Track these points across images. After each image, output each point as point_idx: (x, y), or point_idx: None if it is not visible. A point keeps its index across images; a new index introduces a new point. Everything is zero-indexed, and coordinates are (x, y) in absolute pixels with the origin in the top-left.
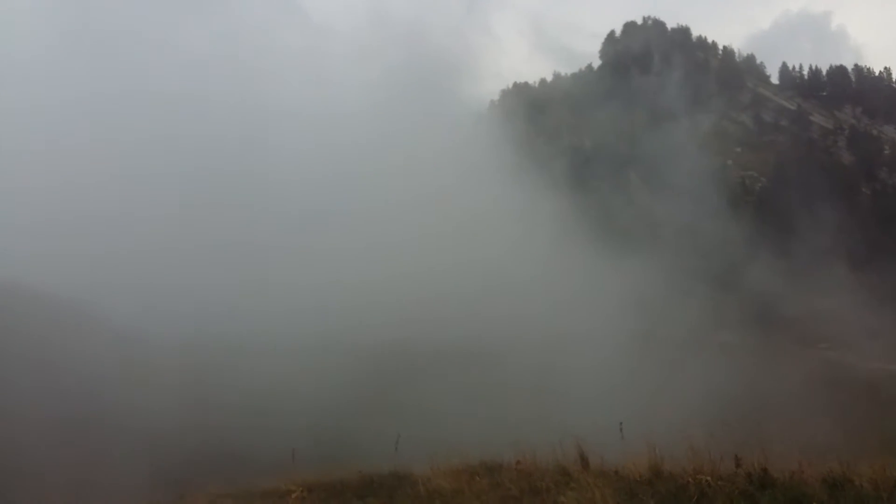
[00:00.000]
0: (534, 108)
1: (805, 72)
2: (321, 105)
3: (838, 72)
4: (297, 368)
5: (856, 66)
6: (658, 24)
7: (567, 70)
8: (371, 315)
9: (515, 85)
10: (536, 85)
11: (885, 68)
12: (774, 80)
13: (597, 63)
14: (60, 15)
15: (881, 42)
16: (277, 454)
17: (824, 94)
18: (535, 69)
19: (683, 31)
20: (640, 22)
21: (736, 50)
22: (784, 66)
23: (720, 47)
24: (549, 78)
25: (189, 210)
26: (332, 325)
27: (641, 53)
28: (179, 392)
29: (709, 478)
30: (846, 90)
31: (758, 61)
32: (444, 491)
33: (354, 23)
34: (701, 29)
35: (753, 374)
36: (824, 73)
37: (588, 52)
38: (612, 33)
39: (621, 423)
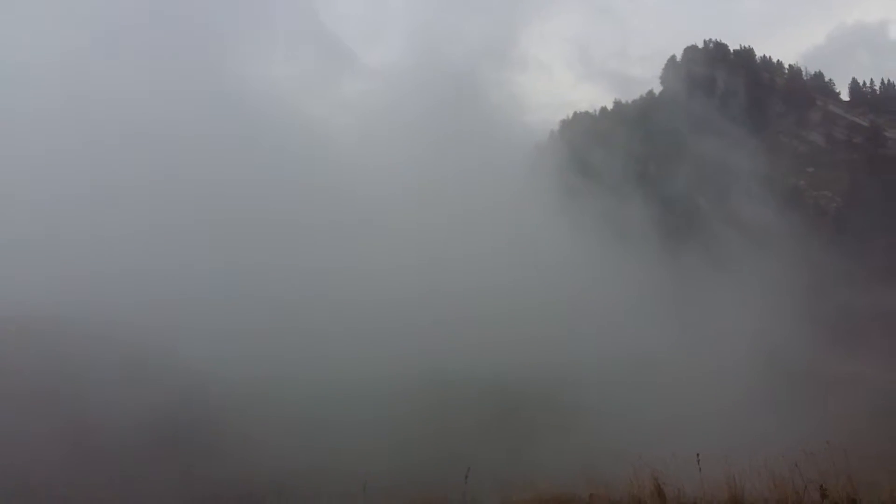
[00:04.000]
0: (596, 136)
1: (877, 86)
2: (372, 139)
3: None
4: (359, 395)
5: None
6: (720, 47)
7: (625, 97)
8: (433, 339)
9: (576, 114)
10: (597, 113)
11: None
12: (844, 96)
13: (657, 88)
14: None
15: None
16: (346, 484)
17: None
18: (586, 97)
19: (747, 52)
20: (700, 45)
21: (802, 68)
22: (854, 81)
23: (786, 66)
24: (609, 105)
25: (241, 226)
26: (393, 348)
27: (705, 77)
28: (246, 417)
29: None
30: None
31: (826, 79)
32: None
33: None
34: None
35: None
36: None
37: (639, 76)
38: (672, 58)
39: (698, 455)
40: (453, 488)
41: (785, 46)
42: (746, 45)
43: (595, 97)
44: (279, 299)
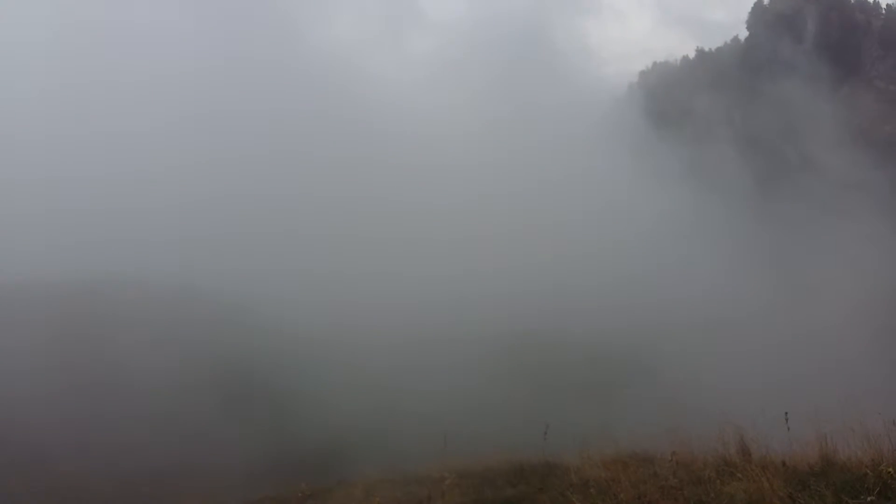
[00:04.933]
0: (678, 87)
1: None
2: (444, 98)
3: None
4: (434, 359)
5: None
6: None
7: (707, 44)
8: (506, 305)
9: (655, 64)
10: (678, 62)
11: None
12: None
13: (743, 34)
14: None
15: None
16: (426, 442)
17: None
18: (665, 45)
19: None
20: None
21: None
22: None
23: (883, 6)
24: (691, 54)
25: (302, 201)
26: (465, 315)
27: (795, 20)
28: (322, 380)
29: (890, 469)
30: None
31: None
32: (599, 479)
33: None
34: None
35: None
36: None
37: (722, 20)
38: (759, 1)
39: (786, 413)
40: (534, 446)
41: None
42: None
43: (674, 45)
44: (354, 270)
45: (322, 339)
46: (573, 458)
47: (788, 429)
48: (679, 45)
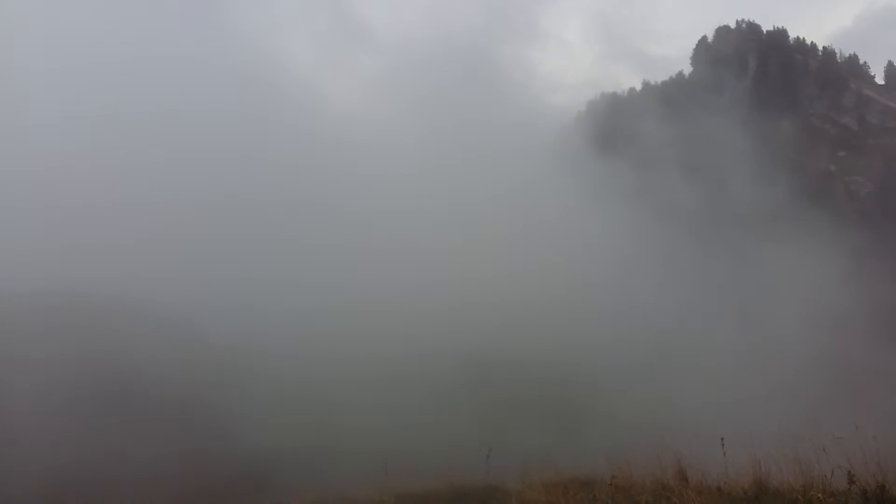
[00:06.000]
0: (624, 117)
1: None
2: (386, 110)
3: None
4: (379, 377)
5: None
6: (753, 27)
7: (654, 78)
8: (458, 323)
9: (603, 95)
10: (625, 94)
11: None
12: (879, 79)
13: (687, 69)
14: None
15: None
16: (365, 463)
17: None
18: (610, 75)
19: (780, 33)
20: (729, 25)
21: (837, 50)
22: (890, 64)
23: (820, 48)
24: (638, 86)
25: (235, 205)
26: (416, 330)
27: (737, 58)
28: (262, 397)
29: (820, 494)
30: None
31: (861, 61)
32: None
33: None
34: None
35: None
36: None
37: (666, 55)
38: (703, 38)
39: (722, 439)
40: (475, 468)
41: (809, 28)
42: (780, 26)
43: (621, 77)
44: (295, 279)
45: (248, 350)
46: (514, 482)
47: (724, 454)
48: (626, 78)
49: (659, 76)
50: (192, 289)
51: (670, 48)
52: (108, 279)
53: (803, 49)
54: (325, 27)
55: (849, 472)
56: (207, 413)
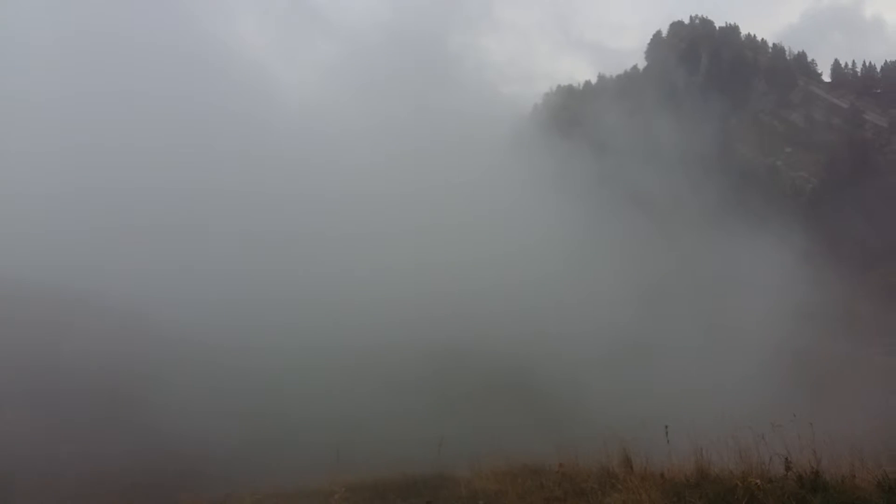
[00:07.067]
0: (580, 109)
1: (858, 68)
2: (337, 97)
3: (894, 68)
4: (333, 369)
5: None
6: (706, 23)
7: (609, 71)
8: (411, 311)
9: (559, 87)
10: (581, 87)
11: None
12: (826, 77)
13: (642, 63)
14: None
15: None
16: (319, 455)
17: (878, 91)
18: (565, 68)
19: (732, 30)
20: (682, 20)
21: (787, 48)
22: (836, 62)
23: (770, 45)
24: (594, 79)
25: (180, 194)
26: (367, 319)
27: (690, 53)
28: (215, 391)
29: (758, 480)
30: None
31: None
32: (488, 491)
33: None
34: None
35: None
36: (879, 69)
37: (620, 48)
38: (658, 33)
39: (667, 427)
40: (426, 458)
41: (760, 24)
42: (732, 23)
43: (577, 70)
44: (256, 269)
45: (198, 340)
46: (465, 471)
47: (668, 441)
48: (581, 71)
49: (614, 70)
50: (139, 279)
51: (624, 40)
52: (46, 268)
53: (754, 45)
54: (281, 12)
55: (786, 458)
56: (149, 407)
